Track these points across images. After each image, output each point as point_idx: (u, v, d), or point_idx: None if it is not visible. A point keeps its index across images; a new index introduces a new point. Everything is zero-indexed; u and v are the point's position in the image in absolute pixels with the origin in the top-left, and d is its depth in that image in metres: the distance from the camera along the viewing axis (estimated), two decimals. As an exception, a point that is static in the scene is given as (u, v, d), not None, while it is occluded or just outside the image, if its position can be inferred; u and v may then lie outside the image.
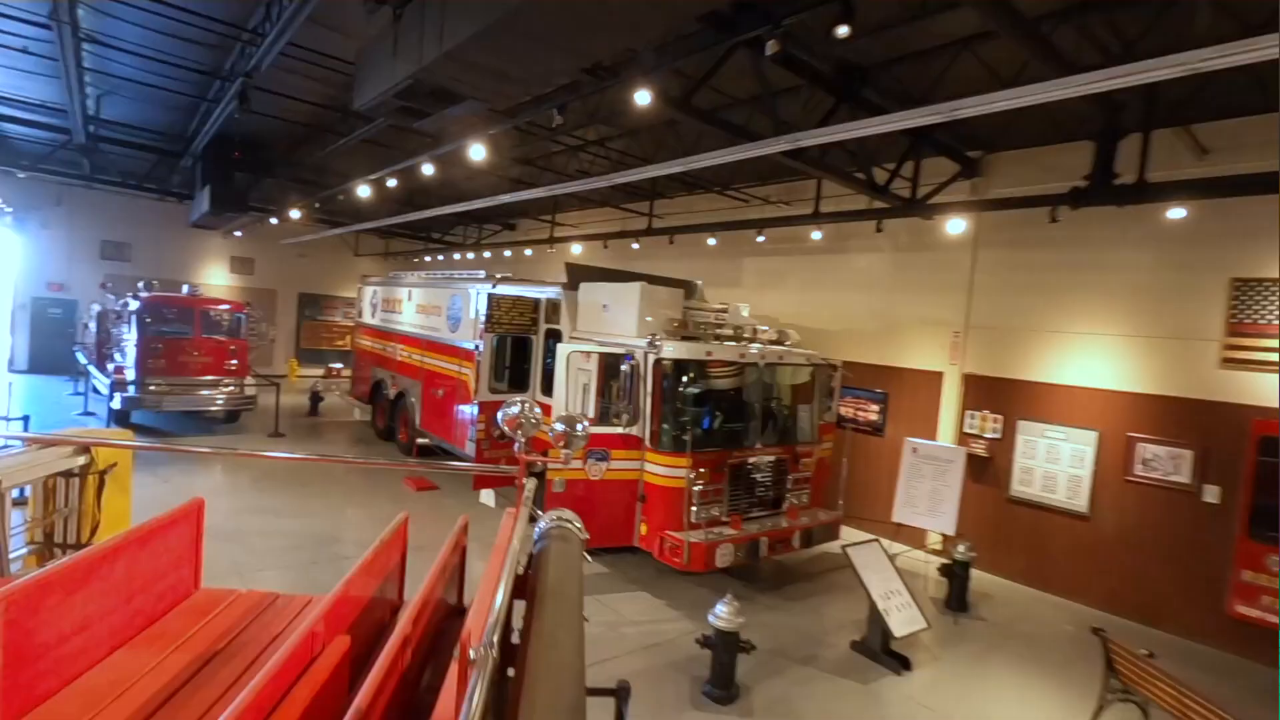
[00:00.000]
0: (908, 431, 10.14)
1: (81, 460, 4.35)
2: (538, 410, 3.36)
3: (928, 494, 7.72)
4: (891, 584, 6.37)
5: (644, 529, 7.17)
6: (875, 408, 10.55)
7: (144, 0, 6.88)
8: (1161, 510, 7.72)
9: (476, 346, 10.23)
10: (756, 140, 6.48)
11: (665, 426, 7.17)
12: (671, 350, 7.10)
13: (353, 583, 2.48)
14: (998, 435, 9.13)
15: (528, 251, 17.14)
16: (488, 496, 9.01)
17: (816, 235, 10.39)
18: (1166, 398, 7.74)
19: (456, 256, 20.16)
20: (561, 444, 3.45)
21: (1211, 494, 7.39)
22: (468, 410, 10.47)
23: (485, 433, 8.57)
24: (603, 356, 7.40)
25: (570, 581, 2.46)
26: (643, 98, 6.12)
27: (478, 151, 8.05)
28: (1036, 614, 7.90)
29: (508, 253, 18.75)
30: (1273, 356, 7.04)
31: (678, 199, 13.03)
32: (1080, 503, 8.32)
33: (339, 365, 21.79)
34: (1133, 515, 7.93)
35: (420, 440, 11.29)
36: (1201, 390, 7.50)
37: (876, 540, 6.84)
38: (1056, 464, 8.54)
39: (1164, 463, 7.72)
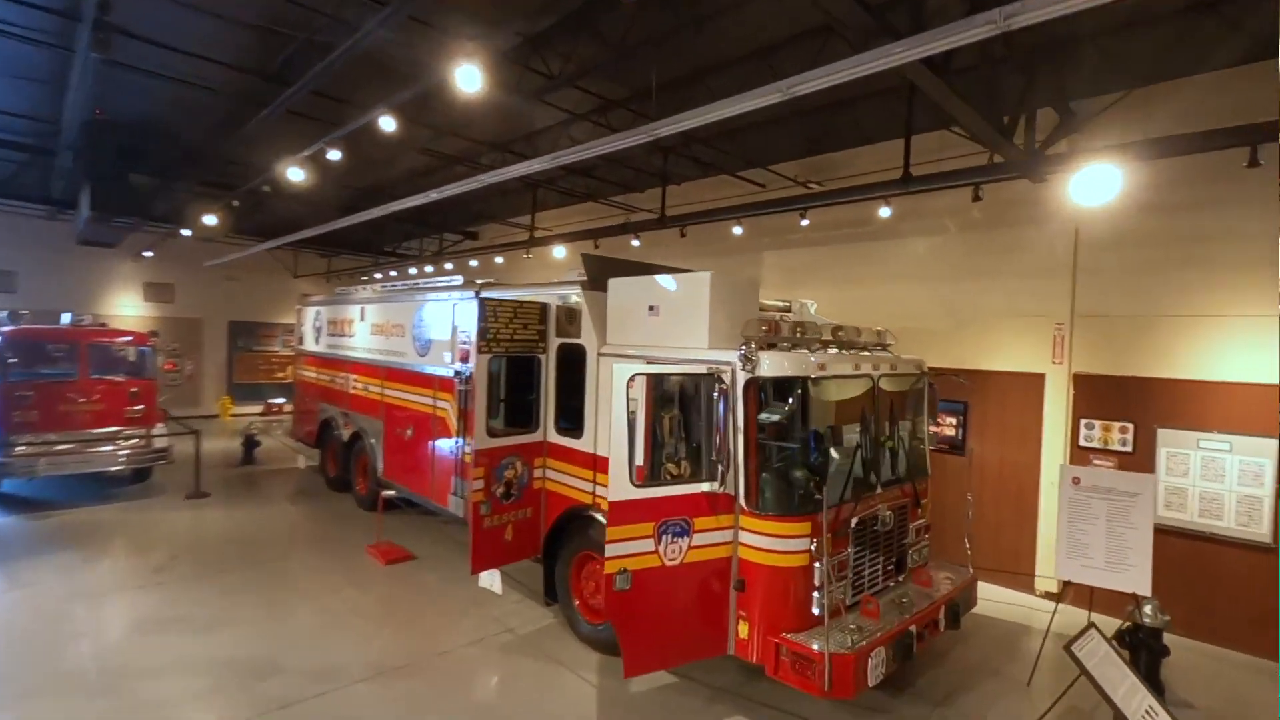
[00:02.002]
0: (997, 449, 7.96)
1: None
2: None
3: (1104, 540, 5.47)
4: (1134, 691, 4.05)
5: (743, 630, 4.63)
6: (951, 420, 8.34)
7: None
8: (1384, 538, 5.72)
9: (458, 373, 7.50)
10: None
11: (766, 477, 4.67)
12: (772, 365, 4.62)
13: None
14: (1128, 448, 7.03)
15: (498, 259, 14.37)
16: (491, 579, 6.28)
17: (885, 212, 8.12)
18: (1379, 392, 5.78)
19: (412, 272, 17.15)
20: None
21: None
22: (448, 454, 7.71)
23: (485, 491, 5.87)
24: (658, 380, 4.86)
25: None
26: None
27: (468, 79, 5.38)
28: (1248, 690, 5.75)
29: (473, 263, 15.90)
30: None
31: (686, 186, 10.59)
32: (1261, 530, 6.25)
33: (280, 400, 18.39)
34: (1340, 545, 5.91)
35: (386, 493, 8.43)
36: None
37: (1093, 626, 4.52)
38: (1219, 482, 6.47)
39: (1383, 476, 5.73)
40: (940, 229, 8.39)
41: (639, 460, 4.45)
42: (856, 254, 9.16)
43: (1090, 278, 7.33)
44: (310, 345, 12.03)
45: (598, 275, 6.14)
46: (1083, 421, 7.35)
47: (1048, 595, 7.53)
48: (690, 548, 4.53)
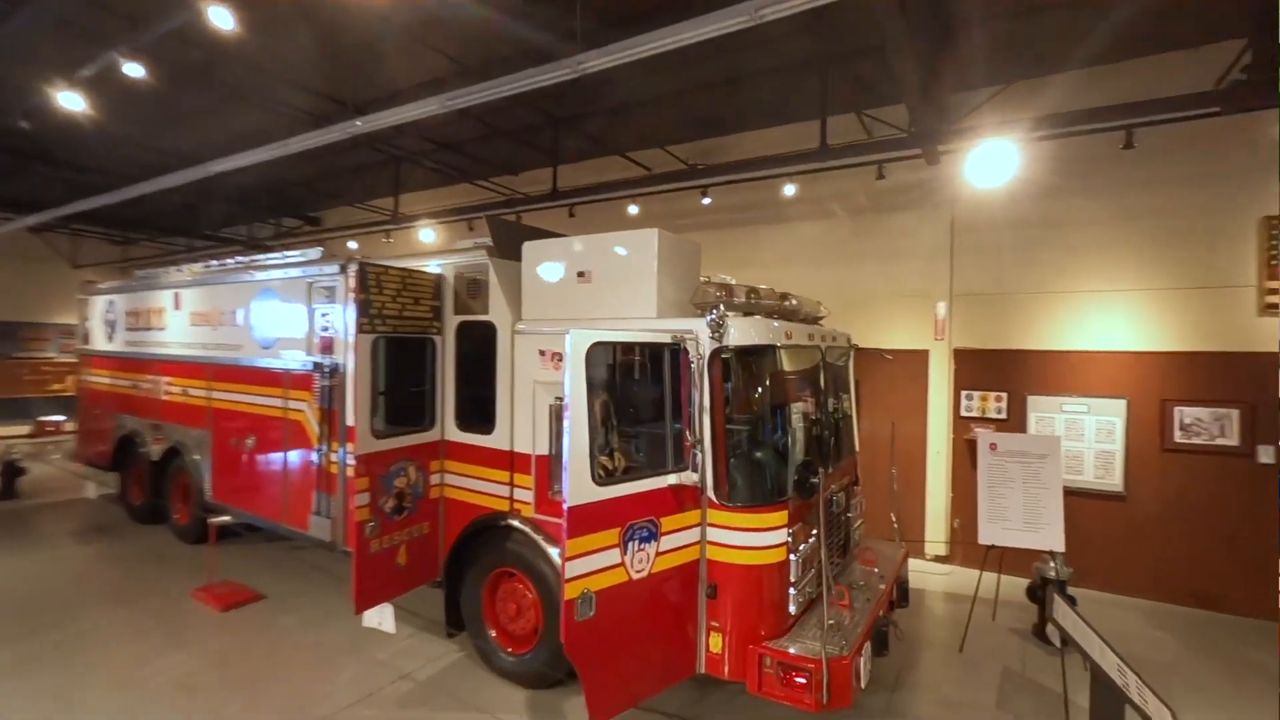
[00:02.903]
0: (888, 422, 7.95)
1: None
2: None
3: (1020, 502, 5.42)
4: (1105, 651, 3.84)
5: (714, 643, 3.78)
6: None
7: None
8: (1210, 479, 6.34)
9: (319, 366, 5.83)
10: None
11: (735, 463, 3.86)
12: (742, 332, 3.82)
13: None
14: (1003, 415, 7.29)
15: (351, 244, 12.18)
16: (380, 616, 4.82)
17: (790, 190, 7.73)
18: (1203, 354, 6.39)
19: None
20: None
21: (1267, 454, 6.12)
22: (306, 466, 6.00)
23: (372, 507, 4.41)
24: (616, 352, 3.87)
25: None
26: None
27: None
28: (1120, 625, 6.04)
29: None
30: (1320, 298, 5.94)
31: (571, 169, 9.49)
32: (1114, 481, 6.72)
33: (59, 418, 14.27)
34: (1176, 488, 6.47)
35: (218, 520, 6.41)
36: (1242, 342, 6.23)
37: (1059, 595, 4.29)
38: (1079, 441, 6.87)
39: (1208, 426, 6.35)
40: (829, 214, 8.24)
41: (599, 453, 3.41)
42: (750, 238, 8.76)
43: (966, 259, 7.52)
44: (101, 344, 9.17)
45: (508, 241, 4.95)
46: (963, 393, 7.53)
47: (937, 559, 7.64)
48: (658, 554, 3.58)
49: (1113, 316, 6.77)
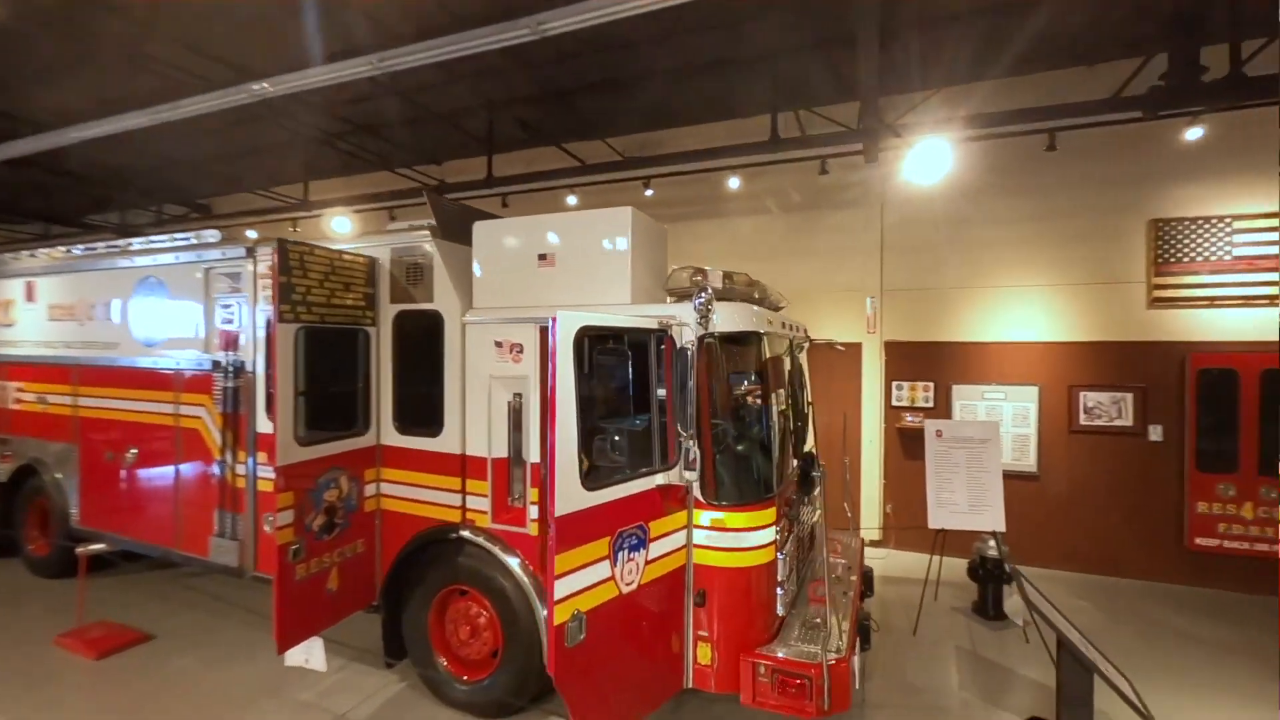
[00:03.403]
0: (825, 414, 7.96)
1: None
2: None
3: (966, 486, 5.48)
4: (1069, 627, 3.86)
5: (703, 654, 3.41)
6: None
7: None
8: (1110, 457, 6.78)
9: (219, 365, 4.90)
10: None
11: (723, 459, 3.51)
12: (728, 318, 3.48)
13: None
14: (930, 404, 7.48)
15: (251, 234, 10.71)
16: (308, 652, 4.04)
17: (734, 183, 7.51)
18: (1102, 343, 6.83)
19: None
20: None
21: (1156, 433, 6.62)
22: (205, 480, 5.04)
23: (297, 527, 3.65)
24: (603, 340, 3.39)
25: None
26: None
27: None
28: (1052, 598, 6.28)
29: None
30: (1198, 292, 6.49)
31: (504, 159, 8.76)
32: (1029, 462, 7.05)
33: None
34: (1082, 466, 6.88)
35: (90, 549, 5.25)
36: (1135, 332, 6.71)
37: (1023, 577, 4.28)
38: (999, 426, 7.15)
39: (1107, 408, 6.80)
40: (767, 210, 8.14)
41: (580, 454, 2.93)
42: (689, 232, 8.49)
43: (895, 255, 7.66)
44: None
45: (453, 222, 4.33)
46: (894, 384, 7.67)
47: (871, 544, 7.72)
48: (647, 563, 3.16)
49: (1026, 310, 7.11)
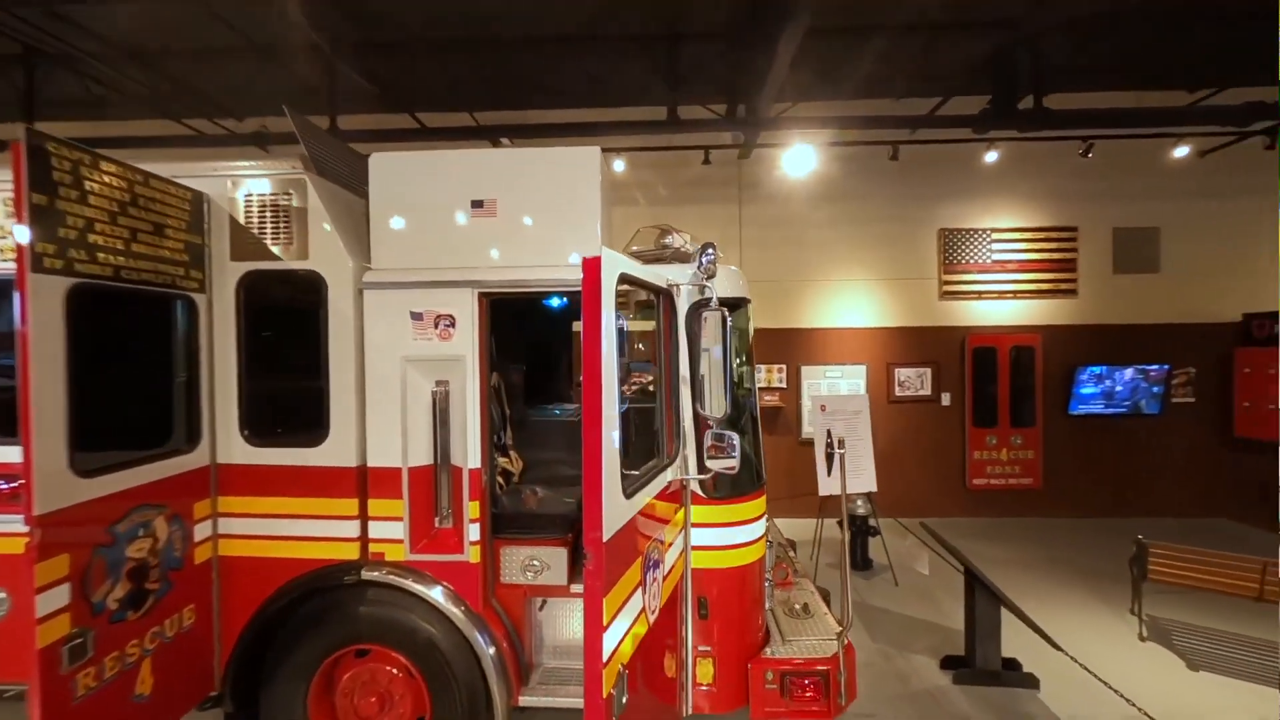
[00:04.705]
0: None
1: None
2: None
3: (847, 454, 5.61)
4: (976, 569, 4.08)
5: (704, 673, 2.76)
6: (648, 377, 7.76)
7: None
8: (916, 420, 7.72)
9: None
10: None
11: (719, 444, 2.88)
12: (727, 283, 2.86)
13: None
14: (784, 385, 7.76)
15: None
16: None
17: (619, 165, 6.75)
18: (910, 328, 7.72)
19: None
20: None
21: (946, 399, 7.71)
22: None
23: (78, 608, 2.07)
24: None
25: None
26: None
27: None
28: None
29: None
30: (972, 287, 7.68)
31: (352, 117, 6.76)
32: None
33: None
34: (898, 430, 7.72)
35: None
36: (931, 318, 7.71)
37: (909, 531, 4.40)
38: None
39: (914, 381, 7.72)
40: (632, 200, 7.64)
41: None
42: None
43: (753, 249, 7.77)
44: None
45: (336, 156, 2.96)
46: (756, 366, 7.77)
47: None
48: (664, 579, 2.39)
49: (856, 300, 7.75)
